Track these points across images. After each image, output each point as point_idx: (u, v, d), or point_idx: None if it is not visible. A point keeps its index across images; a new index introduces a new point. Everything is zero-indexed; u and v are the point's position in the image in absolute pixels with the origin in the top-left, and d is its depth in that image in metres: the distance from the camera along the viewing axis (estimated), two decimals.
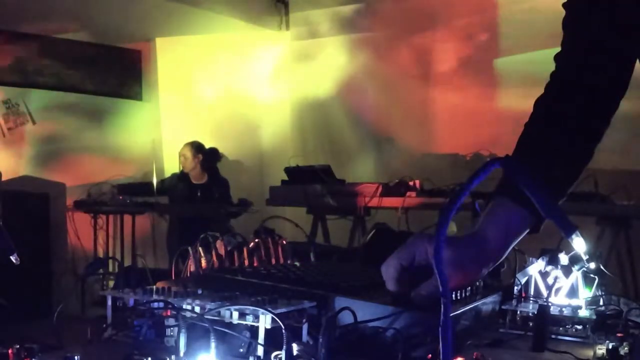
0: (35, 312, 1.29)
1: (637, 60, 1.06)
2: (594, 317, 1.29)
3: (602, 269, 1.44)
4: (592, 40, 1.05)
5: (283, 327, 0.92)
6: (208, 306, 1.03)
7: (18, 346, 0.89)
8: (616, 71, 1.05)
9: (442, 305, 0.79)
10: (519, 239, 1.04)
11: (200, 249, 1.37)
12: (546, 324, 1.24)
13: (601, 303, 1.37)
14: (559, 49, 1.12)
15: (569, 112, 1.05)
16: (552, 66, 1.12)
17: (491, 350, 1.17)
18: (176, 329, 1.03)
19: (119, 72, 6.64)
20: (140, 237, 5.83)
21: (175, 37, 6.89)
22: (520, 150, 1.06)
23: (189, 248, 1.37)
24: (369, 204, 4.82)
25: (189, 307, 1.05)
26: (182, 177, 6.06)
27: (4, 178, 3.59)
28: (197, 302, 1.05)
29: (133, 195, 5.53)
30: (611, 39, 1.03)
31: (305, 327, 1.02)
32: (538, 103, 1.09)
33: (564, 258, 1.39)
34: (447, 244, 0.94)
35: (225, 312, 1.02)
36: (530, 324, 1.30)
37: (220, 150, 6.32)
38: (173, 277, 1.39)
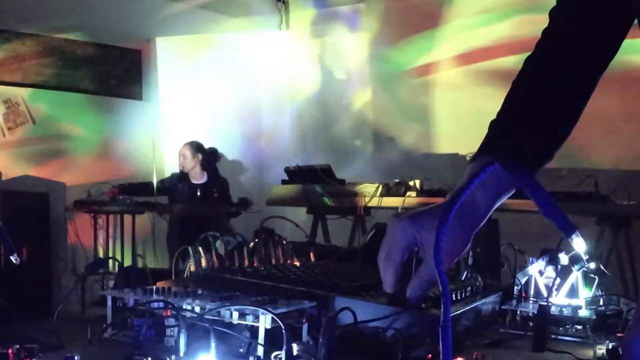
0: (35, 312, 1.29)
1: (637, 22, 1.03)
2: (594, 317, 1.29)
3: (602, 269, 1.44)
4: None
5: (283, 327, 0.92)
6: (208, 306, 1.03)
7: (18, 346, 0.89)
8: (611, 27, 1.01)
9: (442, 305, 0.79)
10: (507, 197, 0.99)
11: (200, 249, 1.36)
12: (546, 324, 1.24)
13: (601, 303, 1.37)
14: None
15: (558, 65, 1.02)
16: None
17: (491, 350, 1.17)
18: (176, 329, 1.03)
19: (119, 72, 6.64)
20: (140, 237, 5.82)
21: (175, 37, 6.89)
22: (507, 106, 1.03)
23: (189, 248, 1.37)
24: (369, 204, 4.82)
25: (189, 307, 1.05)
26: (181, 177, 6.06)
27: (3, 178, 3.58)
28: (197, 302, 1.05)
29: (133, 195, 5.52)
30: None
31: (305, 327, 1.02)
32: (527, 60, 1.05)
33: (564, 258, 1.39)
34: (432, 218, 0.90)
35: (225, 312, 1.02)
36: (530, 324, 1.30)
37: (220, 150, 6.31)
38: (173, 277, 1.39)
